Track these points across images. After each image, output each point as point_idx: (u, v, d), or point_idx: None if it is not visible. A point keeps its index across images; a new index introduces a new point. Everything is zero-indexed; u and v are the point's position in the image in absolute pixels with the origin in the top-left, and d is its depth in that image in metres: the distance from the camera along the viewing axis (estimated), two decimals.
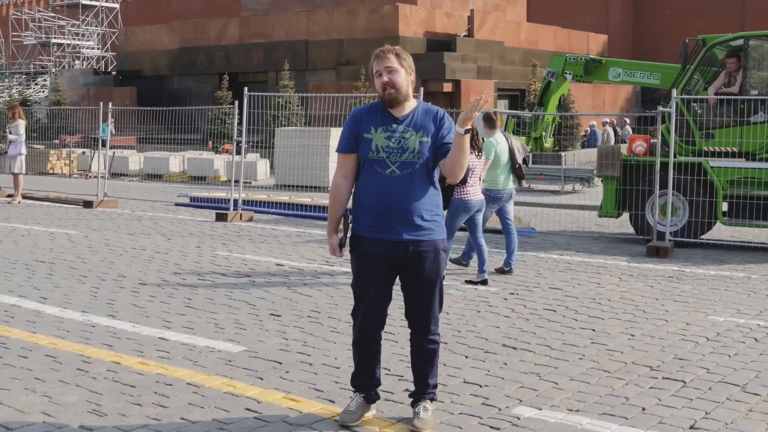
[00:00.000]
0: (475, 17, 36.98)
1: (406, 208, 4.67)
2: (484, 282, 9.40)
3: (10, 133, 17.89)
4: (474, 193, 9.51)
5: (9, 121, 18.34)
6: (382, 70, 4.69)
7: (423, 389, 4.91)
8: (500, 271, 10.11)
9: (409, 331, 4.97)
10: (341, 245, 4.84)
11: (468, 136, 4.59)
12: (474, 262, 10.16)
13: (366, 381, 4.93)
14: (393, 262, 4.75)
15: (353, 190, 4.87)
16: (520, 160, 10.38)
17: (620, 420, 4.99)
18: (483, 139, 10.04)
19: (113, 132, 31.15)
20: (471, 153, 8.97)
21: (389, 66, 4.69)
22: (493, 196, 10.18)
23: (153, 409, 5.10)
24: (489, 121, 10.39)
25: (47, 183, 23.39)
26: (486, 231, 13.20)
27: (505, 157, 10.21)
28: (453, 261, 10.36)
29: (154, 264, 10.39)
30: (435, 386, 4.95)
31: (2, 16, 70.59)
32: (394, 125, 4.72)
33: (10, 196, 18.20)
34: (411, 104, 4.78)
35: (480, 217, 9.77)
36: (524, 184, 10.17)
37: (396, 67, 4.69)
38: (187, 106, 28.57)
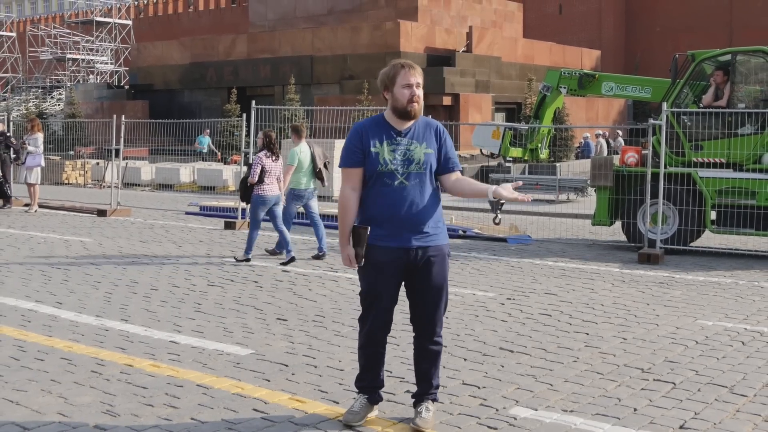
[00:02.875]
0: (474, 33, 37.05)
1: (415, 216, 4.70)
2: (292, 259, 10.92)
3: (29, 144, 17.93)
4: (270, 190, 11.11)
5: (28, 133, 18.38)
6: (413, 84, 4.72)
7: (426, 390, 4.92)
8: (316, 257, 11.45)
9: (413, 334, 4.97)
10: (359, 256, 4.72)
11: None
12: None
13: (370, 383, 4.94)
14: (403, 268, 4.77)
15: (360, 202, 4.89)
16: (320, 166, 11.75)
17: (613, 420, 4.99)
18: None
19: (214, 149, 31.00)
20: (269, 158, 11.15)
21: (419, 82, 4.75)
22: (296, 194, 11.65)
23: (164, 409, 5.11)
24: (297, 131, 11.71)
25: (63, 192, 23.42)
26: (485, 239, 13.27)
27: (307, 162, 11.59)
28: (268, 252, 11.78)
29: (165, 270, 10.40)
30: (437, 387, 4.96)
31: (20, 33, 70.84)
32: (398, 138, 4.75)
33: (26, 205, 18.24)
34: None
35: (278, 210, 11.25)
36: (325, 184, 12.08)
37: (422, 84, 4.78)
38: (197, 119, 28.64)
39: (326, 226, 14.97)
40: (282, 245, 11.50)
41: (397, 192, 4.70)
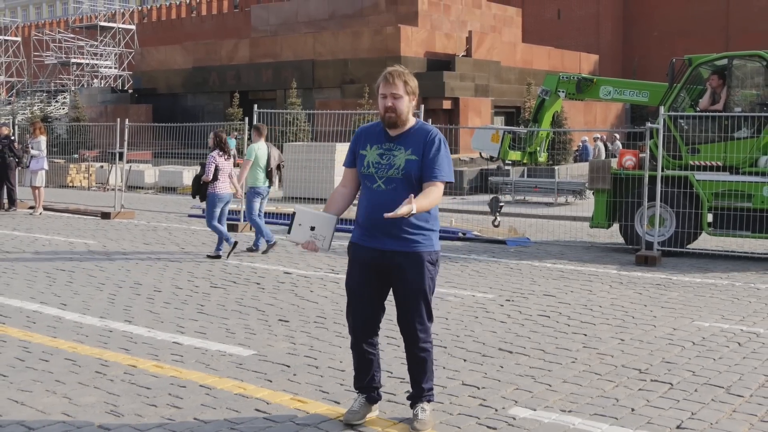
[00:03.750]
0: (473, 38, 37.07)
1: (390, 220, 4.58)
2: (218, 257, 11.63)
3: (33, 148, 17.95)
4: (223, 188, 11.74)
5: (31, 137, 18.41)
6: (388, 95, 4.69)
7: (419, 393, 4.92)
8: (269, 248, 12.19)
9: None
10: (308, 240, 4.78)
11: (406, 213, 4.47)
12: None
13: (366, 383, 4.95)
14: (379, 270, 4.77)
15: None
16: (273, 166, 12.44)
17: (610, 420, 5.00)
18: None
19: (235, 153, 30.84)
20: (221, 156, 11.77)
21: (395, 93, 4.68)
22: (256, 191, 12.26)
23: (168, 409, 5.11)
24: (258, 130, 12.50)
25: (67, 195, 23.43)
26: (484, 241, 13.28)
27: (264, 160, 12.24)
28: (247, 249, 12.34)
29: (168, 272, 10.41)
30: (430, 389, 4.95)
31: (25, 37, 70.87)
32: (388, 143, 4.75)
33: (31, 207, 18.25)
34: (409, 124, 4.79)
35: (226, 209, 12.00)
36: (275, 185, 13.18)
37: (401, 94, 4.69)
38: (199, 123, 28.62)
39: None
40: (257, 243, 12.35)
41: (376, 195, 4.71)
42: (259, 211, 12.44)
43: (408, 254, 4.72)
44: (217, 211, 11.75)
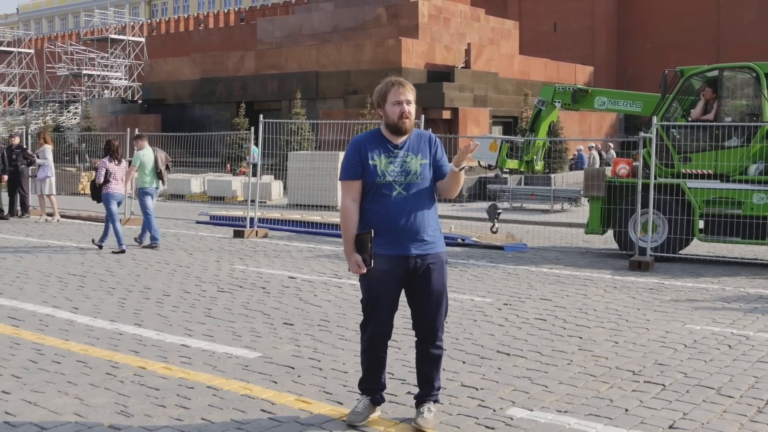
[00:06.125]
0: (472, 50, 37.08)
1: (413, 225, 4.70)
2: (123, 251, 12.49)
3: (38, 157, 17.98)
4: (115, 188, 12.78)
5: (38, 146, 18.46)
6: (403, 101, 4.73)
7: (428, 392, 4.92)
8: (149, 246, 13.20)
9: (415, 339, 4.96)
10: (365, 261, 4.67)
11: (462, 173, 4.76)
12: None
13: (373, 385, 4.95)
14: (402, 276, 4.77)
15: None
16: (162, 168, 13.54)
17: (605, 420, 5.00)
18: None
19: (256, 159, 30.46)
20: (112, 162, 12.81)
21: (409, 99, 4.76)
22: (144, 192, 13.38)
23: (176, 410, 5.12)
24: (140, 138, 13.79)
25: (78, 202, 23.45)
26: (483, 247, 13.29)
27: (150, 164, 13.39)
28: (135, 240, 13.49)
29: (177, 277, 10.42)
30: (439, 388, 4.97)
31: (37, 50, 71.02)
32: (396, 151, 4.77)
33: (49, 215, 18.26)
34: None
35: (117, 208, 12.86)
36: (166, 185, 14.41)
37: (413, 101, 4.78)
38: (207, 132, 28.65)
39: (328, 235, 15.08)
40: (142, 237, 13.48)
41: (395, 202, 4.70)
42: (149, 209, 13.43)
43: (432, 256, 4.77)
44: (114, 208, 12.72)
